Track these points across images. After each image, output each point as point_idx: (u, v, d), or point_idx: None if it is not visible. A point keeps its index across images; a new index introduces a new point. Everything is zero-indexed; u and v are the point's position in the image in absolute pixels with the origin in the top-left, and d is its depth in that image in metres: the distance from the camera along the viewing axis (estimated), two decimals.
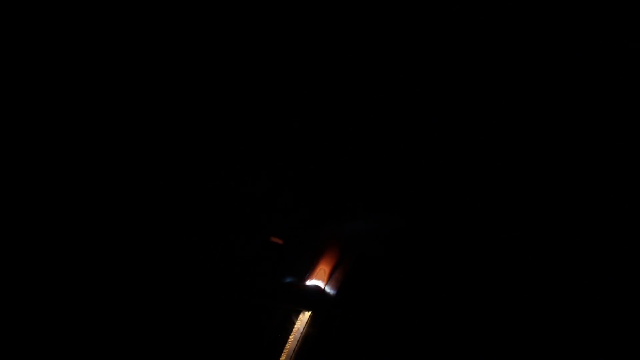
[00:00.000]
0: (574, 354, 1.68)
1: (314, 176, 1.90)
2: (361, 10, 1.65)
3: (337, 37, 1.69)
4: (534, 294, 1.76)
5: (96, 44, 1.72)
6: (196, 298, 1.63)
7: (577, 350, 1.69)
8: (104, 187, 1.71)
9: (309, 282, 1.77)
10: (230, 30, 1.72)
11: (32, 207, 1.64)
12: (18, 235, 1.61)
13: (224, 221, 1.77)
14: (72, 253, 1.62)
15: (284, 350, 1.62)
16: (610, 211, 1.87)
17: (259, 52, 1.76)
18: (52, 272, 1.60)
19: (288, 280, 1.75)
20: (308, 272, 1.78)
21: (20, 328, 1.54)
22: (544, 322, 1.73)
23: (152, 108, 1.75)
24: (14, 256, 1.59)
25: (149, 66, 1.74)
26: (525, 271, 1.79)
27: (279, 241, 1.72)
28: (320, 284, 1.76)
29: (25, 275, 1.58)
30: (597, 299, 1.74)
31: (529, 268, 1.79)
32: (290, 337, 1.65)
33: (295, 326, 1.67)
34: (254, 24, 1.70)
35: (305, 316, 1.69)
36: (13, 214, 1.63)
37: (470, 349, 1.74)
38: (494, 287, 1.79)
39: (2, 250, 1.59)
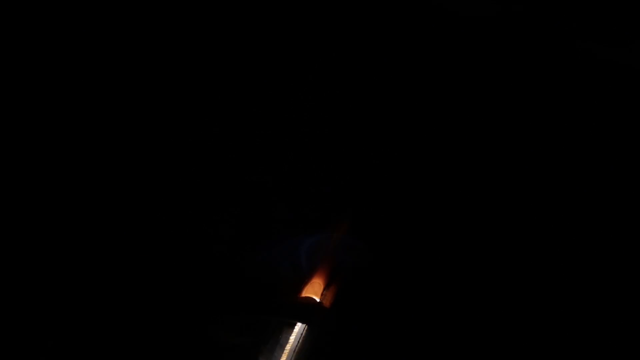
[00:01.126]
0: (574, 354, 1.67)
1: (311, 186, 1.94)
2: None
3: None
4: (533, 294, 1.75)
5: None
6: (188, 310, 1.66)
7: (577, 350, 1.67)
8: (101, 187, 1.76)
9: (303, 295, 1.77)
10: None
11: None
12: (18, 235, 1.64)
13: (218, 230, 1.80)
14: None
15: None
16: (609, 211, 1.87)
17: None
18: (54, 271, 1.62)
19: (283, 292, 1.76)
20: (302, 285, 1.79)
21: (20, 328, 1.56)
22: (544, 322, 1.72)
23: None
24: (13, 256, 1.62)
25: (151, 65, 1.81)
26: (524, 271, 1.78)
27: None
28: (315, 296, 1.77)
29: (25, 275, 1.61)
30: (597, 299, 1.73)
31: (527, 268, 1.79)
32: (285, 349, 1.65)
33: (290, 339, 1.67)
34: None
35: (300, 328, 1.69)
36: (13, 214, 1.67)
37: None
38: (495, 297, 1.78)
39: (2, 250, 1.62)
